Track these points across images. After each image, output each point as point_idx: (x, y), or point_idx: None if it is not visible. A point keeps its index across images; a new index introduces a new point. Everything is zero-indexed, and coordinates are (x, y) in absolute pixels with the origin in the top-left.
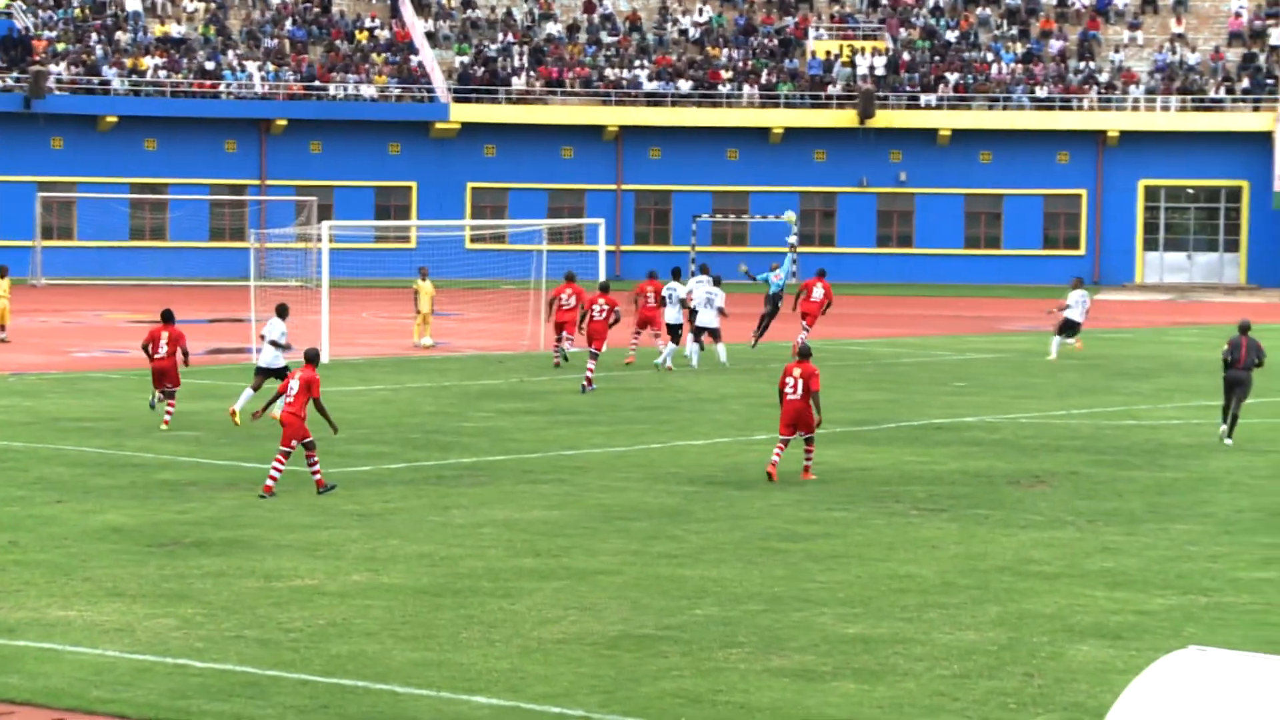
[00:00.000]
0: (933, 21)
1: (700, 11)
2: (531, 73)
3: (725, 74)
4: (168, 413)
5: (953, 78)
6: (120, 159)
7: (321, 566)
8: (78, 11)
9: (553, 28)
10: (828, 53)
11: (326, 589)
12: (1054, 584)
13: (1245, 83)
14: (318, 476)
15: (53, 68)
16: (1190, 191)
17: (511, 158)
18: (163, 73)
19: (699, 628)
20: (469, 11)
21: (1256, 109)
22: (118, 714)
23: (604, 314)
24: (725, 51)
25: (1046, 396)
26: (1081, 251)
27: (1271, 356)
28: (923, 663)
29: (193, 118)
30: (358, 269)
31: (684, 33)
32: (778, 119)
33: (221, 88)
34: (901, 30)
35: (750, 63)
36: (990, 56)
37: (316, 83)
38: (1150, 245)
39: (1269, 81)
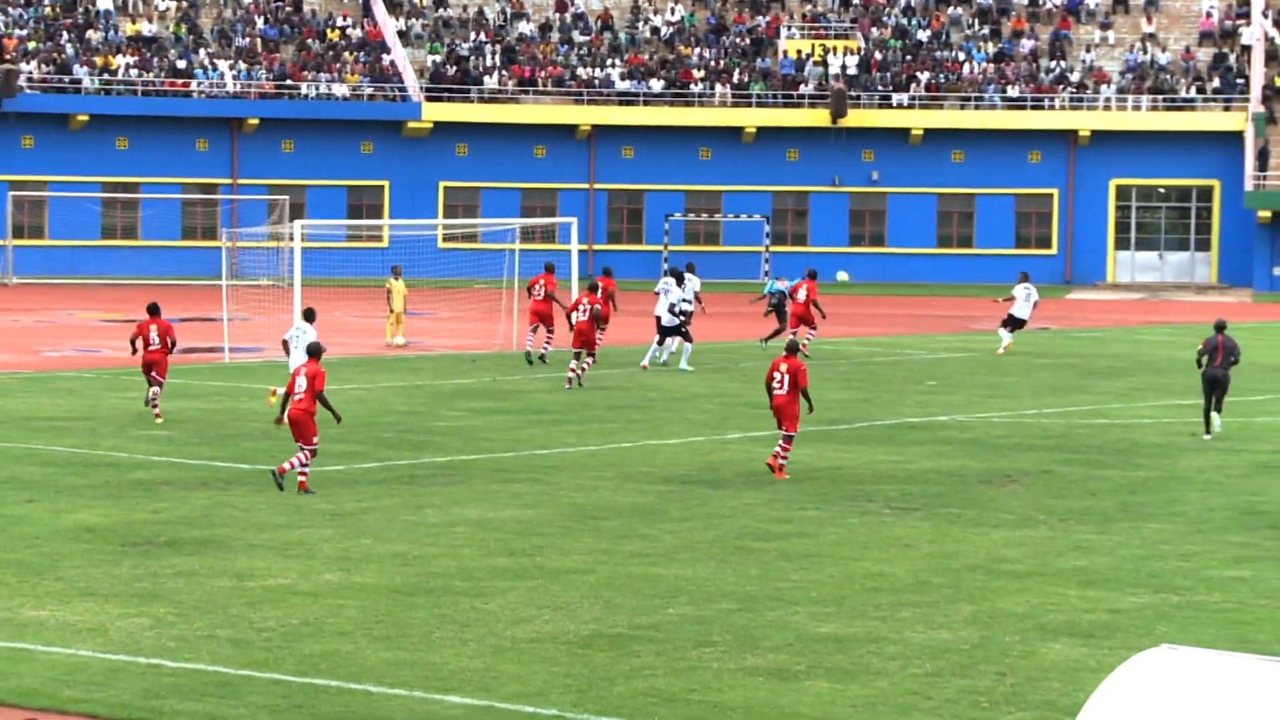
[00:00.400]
0: (904, 21)
1: (672, 11)
2: (504, 72)
3: (697, 73)
4: (155, 404)
5: (924, 77)
6: (91, 158)
7: (294, 566)
8: (48, 10)
9: (525, 27)
10: (799, 52)
11: (299, 588)
12: (1026, 583)
13: (1216, 82)
14: (303, 478)
15: (23, 66)
16: (1161, 191)
17: (484, 157)
18: (134, 71)
19: (672, 627)
20: (441, 10)
21: (1227, 109)
22: (90, 714)
23: (587, 314)
24: (697, 51)
25: (1019, 395)
26: (1053, 251)
27: (1246, 356)
28: (896, 661)
29: (164, 116)
30: (330, 268)
31: (656, 32)
32: (750, 118)
33: (193, 86)
34: (873, 30)
35: (722, 62)
36: (962, 56)
37: (288, 81)
38: (1122, 244)
39: (1240, 81)
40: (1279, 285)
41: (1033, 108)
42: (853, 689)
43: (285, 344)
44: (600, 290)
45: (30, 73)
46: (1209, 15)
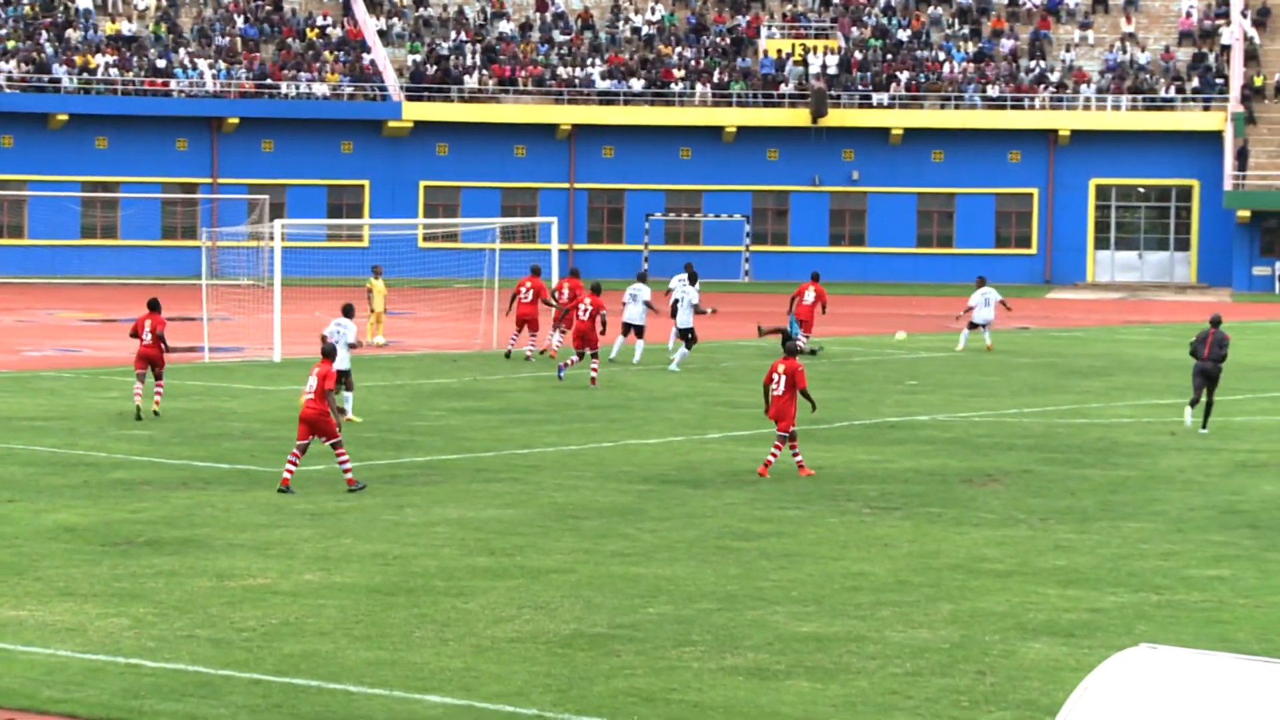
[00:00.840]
0: (884, 20)
1: (652, 10)
2: (484, 71)
3: (678, 73)
4: (156, 395)
5: (904, 77)
6: (71, 157)
7: (274, 566)
8: (27, 9)
9: (505, 26)
10: (780, 52)
11: (279, 588)
12: (1006, 582)
13: (1195, 82)
14: (348, 475)
15: (2, 65)
16: (1141, 190)
17: (464, 156)
18: (114, 71)
19: (652, 626)
20: (421, 10)
21: (1207, 108)
22: (69, 714)
23: (589, 314)
24: (677, 50)
25: (999, 395)
26: (1033, 250)
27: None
28: (876, 661)
29: (144, 116)
30: (310, 268)
31: (636, 31)
32: (730, 118)
33: (173, 86)
34: (853, 29)
35: (703, 61)
36: (942, 56)
37: (268, 81)
38: (1101, 244)
39: (1219, 81)
40: (1258, 285)
41: (1013, 107)
42: (833, 688)
43: (324, 339)
44: (569, 291)
45: (9, 72)
46: (1188, 15)
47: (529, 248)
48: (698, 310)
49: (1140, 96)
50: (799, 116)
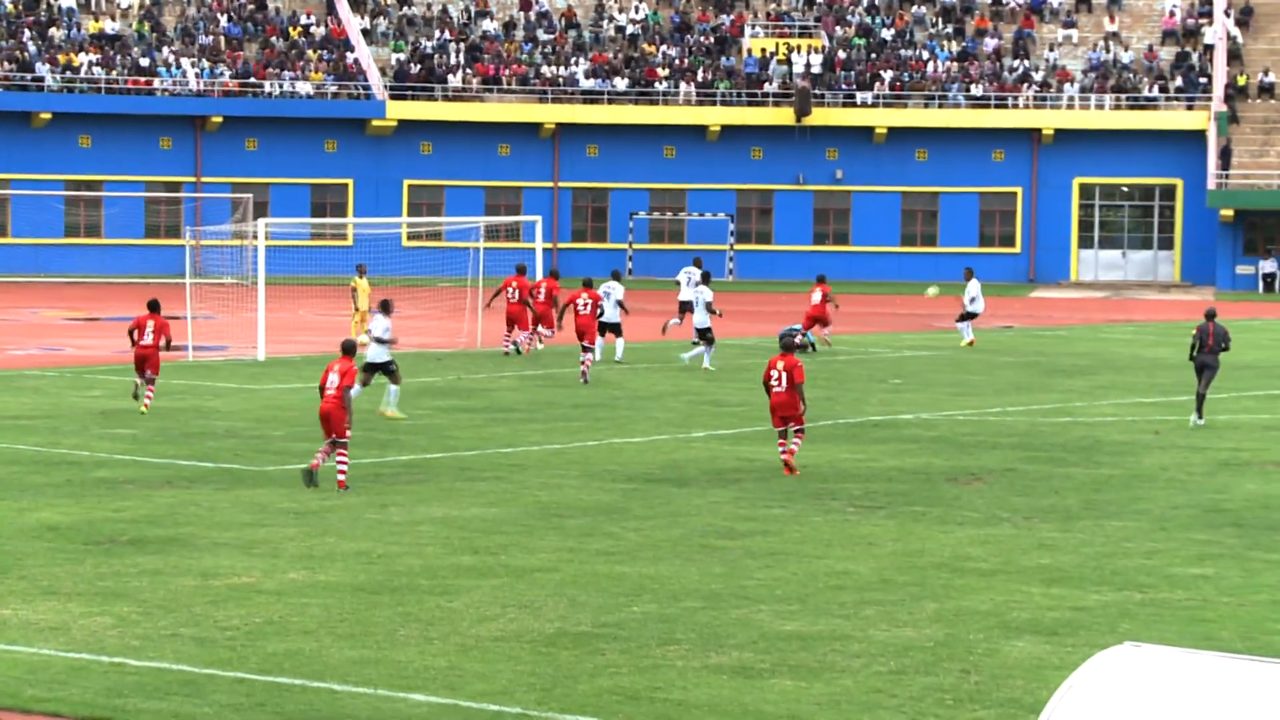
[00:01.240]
0: (868, 19)
1: (636, 9)
2: (468, 70)
3: (662, 71)
4: (147, 397)
5: (888, 76)
6: (54, 156)
7: (258, 564)
8: (10, 7)
9: (489, 25)
10: (764, 50)
11: (263, 587)
12: (990, 581)
13: (1179, 81)
14: (341, 476)
15: None
16: (1125, 189)
17: (448, 155)
18: (97, 69)
19: (637, 625)
20: (405, 8)
21: (1190, 107)
22: (53, 713)
23: (588, 308)
24: (661, 49)
25: (983, 394)
26: (1017, 249)
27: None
28: (860, 659)
29: (127, 114)
30: (294, 266)
31: (620, 30)
32: (714, 117)
33: (156, 84)
34: (837, 28)
35: (687, 60)
36: (926, 54)
37: (252, 80)
38: (1085, 243)
39: (1202, 80)
40: (1241, 284)
41: (996, 106)
42: (817, 687)
43: (368, 332)
44: (546, 291)
45: None
46: (1171, 14)
47: (513, 246)
48: (710, 310)
49: (1124, 96)
50: (783, 115)
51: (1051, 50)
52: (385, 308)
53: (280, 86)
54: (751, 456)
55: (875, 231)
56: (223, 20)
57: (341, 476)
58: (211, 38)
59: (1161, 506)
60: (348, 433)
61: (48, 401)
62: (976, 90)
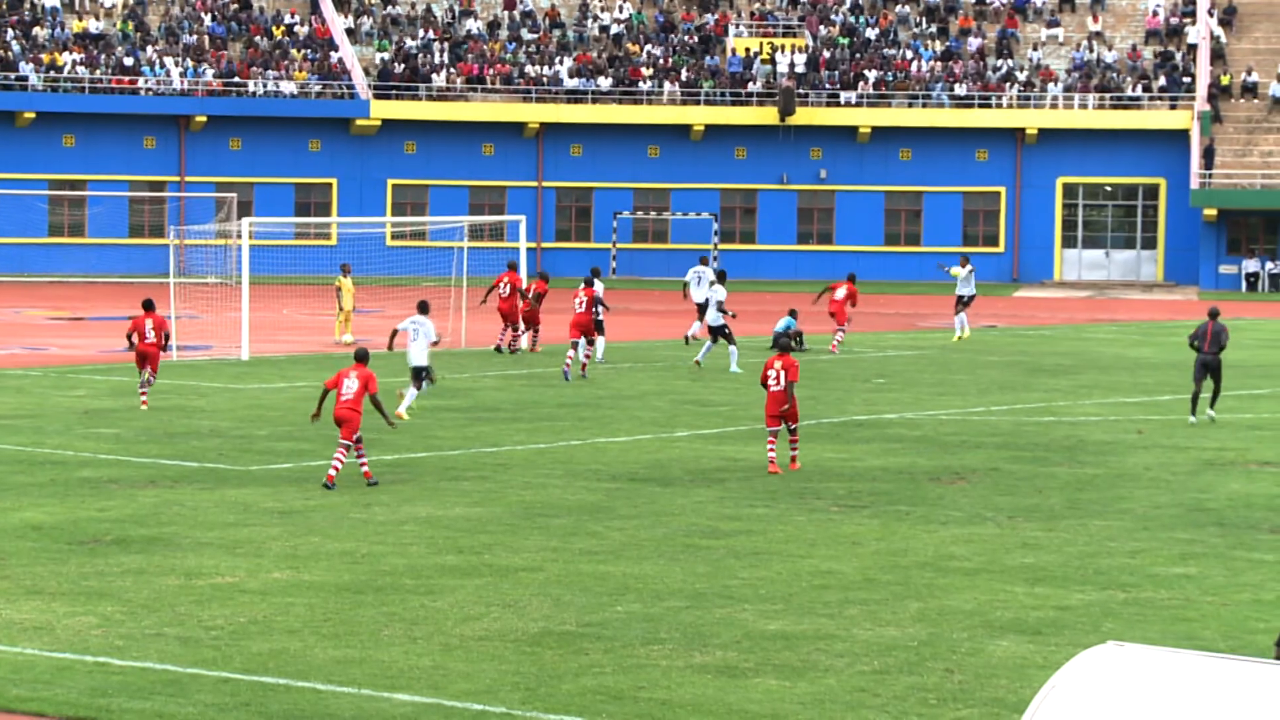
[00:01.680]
0: (852, 19)
1: (620, 8)
2: (452, 69)
3: (646, 71)
4: (142, 394)
5: (872, 75)
6: (38, 155)
7: (242, 564)
8: None
9: (473, 24)
10: (748, 50)
11: (247, 586)
12: (974, 580)
13: (1162, 81)
14: (365, 469)
15: None
16: (1108, 189)
17: (432, 154)
18: (81, 69)
19: (621, 624)
20: (389, 8)
21: (1173, 107)
22: (37, 712)
23: (585, 305)
24: (645, 48)
25: (967, 393)
26: (1001, 249)
27: (1192, 354)
28: (844, 659)
29: (111, 114)
30: (278, 266)
31: (604, 29)
32: (698, 116)
33: (140, 84)
34: (821, 28)
35: (671, 60)
36: (909, 54)
37: (236, 79)
38: (1069, 242)
39: (1186, 80)
40: (1224, 283)
41: (980, 106)
42: (801, 686)
43: (394, 333)
44: (533, 291)
45: None
46: (1155, 14)
47: (497, 246)
48: (722, 310)
49: (1107, 95)
50: (767, 115)
51: (1035, 50)
52: (423, 308)
53: (264, 86)
54: (735, 456)
55: (859, 231)
56: (207, 19)
57: (366, 468)
58: (195, 37)
59: (1145, 506)
60: (357, 435)
61: (32, 401)
62: (960, 90)
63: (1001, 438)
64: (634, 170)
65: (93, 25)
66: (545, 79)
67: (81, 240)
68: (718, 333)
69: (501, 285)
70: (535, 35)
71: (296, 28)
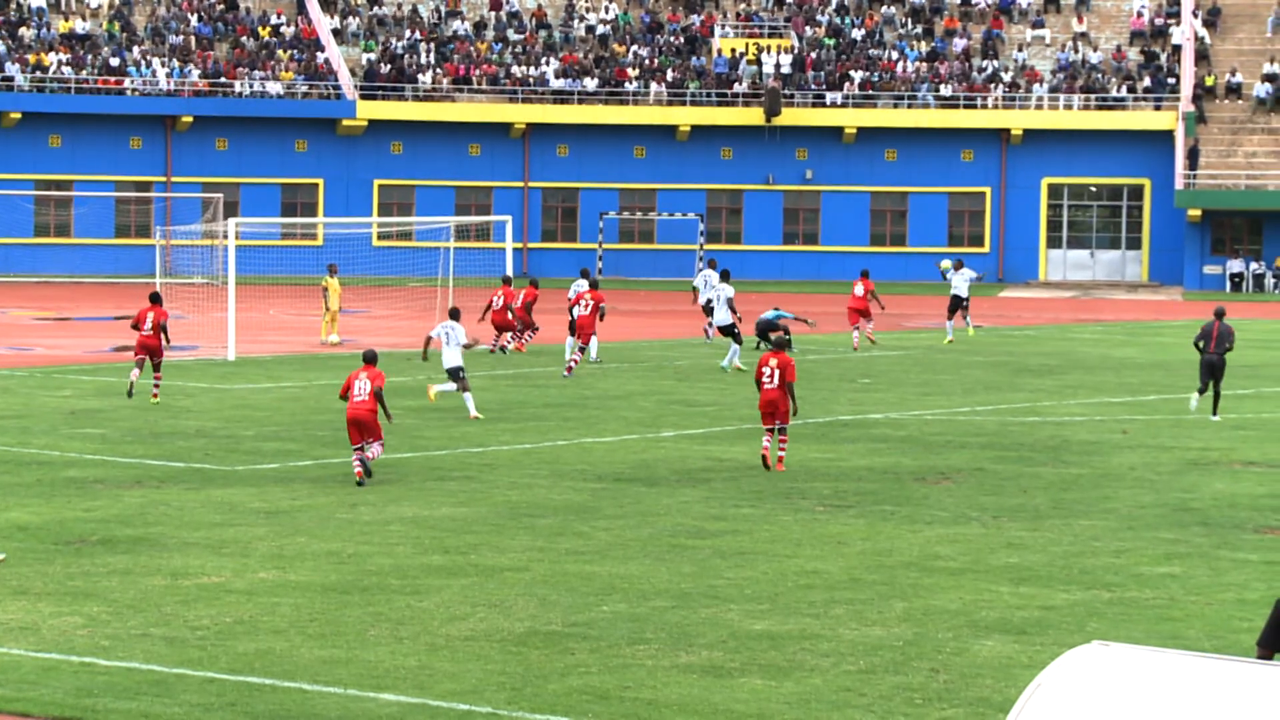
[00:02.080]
0: (838, 20)
1: (606, 9)
2: (438, 70)
3: (632, 72)
4: (155, 384)
5: (858, 76)
6: (24, 155)
7: (228, 564)
8: None
9: (459, 25)
10: (734, 51)
11: (233, 587)
12: (959, 579)
13: (1147, 81)
14: (359, 468)
15: None
16: (1093, 189)
17: (418, 155)
18: (67, 69)
19: (607, 624)
20: (375, 8)
21: (1158, 108)
22: (23, 713)
23: (589, 309)
24: (632, 49)
25: (952, 393)
26: (986, 249)
27: (1177, 354)
28: (829, 658)
29: (97, 114)
30: (264, 266)
31: (590, 30)
32: (684, 117)
33: (126, 84)
34: (807, 28)
35: (657, 60)
36: (895, 55)
37: (222, 79)
38: (1054, 243)
39: (1170, 80)
40: (1209, 283)
41: (965, 107)
42: (786, 686)
43: (429, 339)
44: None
45: None
46: (1140, 15)
47: (483, 246)
48: (731, 308)
49: (1092, 96)
50: (753, 115)
51: (1020, 50)
52: (455, 314)
53: (250, 86)
54: (721, 456)
55: (844, 231)
56: (193, 20)
57: (359, 467)
58: (182, 37)
59: (1129, 506)
60: (379, 432)
61: (17, 401)
62: (945, 90)
63: (986, 438)
64: (620, 171)
65: (79, 25)
66: (531, 79)
67: (67, 240)
68: (727, 332)
69: (495, 299)
70: (521, 36)
71: (283, 28)
